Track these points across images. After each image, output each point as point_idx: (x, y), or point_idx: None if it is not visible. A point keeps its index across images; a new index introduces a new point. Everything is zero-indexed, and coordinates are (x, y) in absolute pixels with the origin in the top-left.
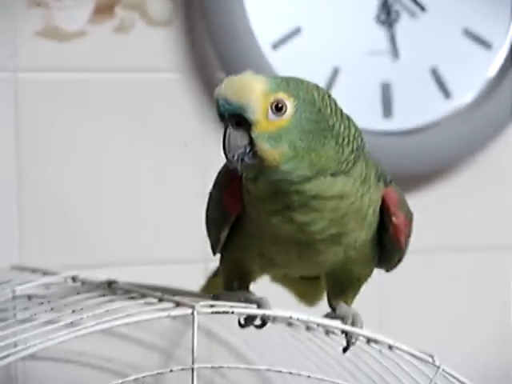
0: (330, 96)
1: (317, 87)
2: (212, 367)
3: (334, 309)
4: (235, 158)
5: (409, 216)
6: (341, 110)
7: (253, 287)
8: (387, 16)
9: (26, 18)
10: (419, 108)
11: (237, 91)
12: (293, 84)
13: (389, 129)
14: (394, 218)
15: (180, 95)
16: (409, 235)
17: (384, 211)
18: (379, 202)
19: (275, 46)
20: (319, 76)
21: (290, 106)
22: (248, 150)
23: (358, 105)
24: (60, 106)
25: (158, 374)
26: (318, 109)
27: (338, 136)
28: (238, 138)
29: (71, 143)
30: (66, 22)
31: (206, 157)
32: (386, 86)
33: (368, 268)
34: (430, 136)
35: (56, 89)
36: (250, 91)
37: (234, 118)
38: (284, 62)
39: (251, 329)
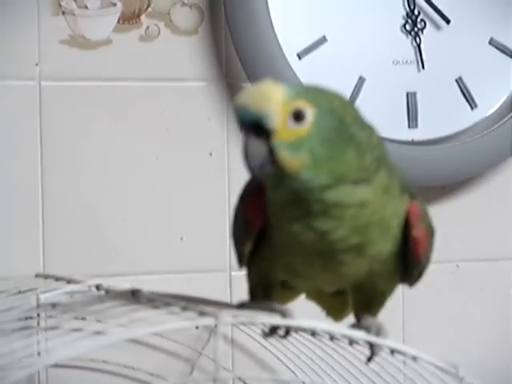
0: (351, 105)
1: (338, 96)
2: (235, 377)
3: (358, 319)
4: (256, 166)
5: (429, 229)
6: (362, 119)
7: None
8: (413, 26)
9: (50, 26)
10: (445, 118)
11: (256, 100)
12: (313, 92)
13: (414, 138)
14: (413, 231)
15: (205, 104)
16: (429, 249)
17: (406, 224)
18: (403, 215)
19: (301, 55)
20: (345, 85)
21: (309, 114)
22: (268, 159)
23: (383, 114)
24: (84, 115)
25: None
26: (339, 117)
27: (359, 145)
28: (258, 147)
29: (96, 152)
30: (91, 30)
31: (230, 166)
32: (411, 95)
33: (392, 283)
34: (455, 146)
35: (80, 97)
36: (269, 99)
37: (254, 127)
38: (309, 72)
39: (274, 338)
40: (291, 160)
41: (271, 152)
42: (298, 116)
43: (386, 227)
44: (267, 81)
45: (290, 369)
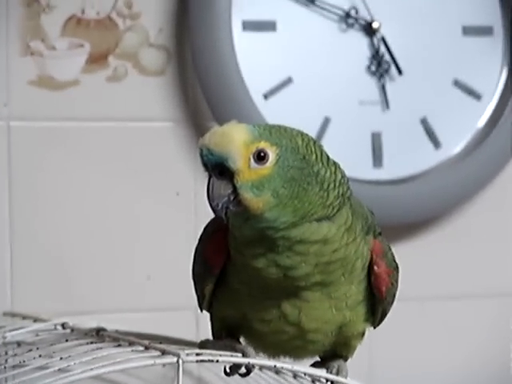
0: (315, 142)
1: (301, 134)
2: None
3: (322, 359)
4: (219, 206)
5: (392, 266)
6: (327, 156)
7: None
8: (377, 67)
9: (19, 66)
10: (409, 158)
11: (219, 141)
12: (276, 132)
13: (379, 178)
14: (375, 267)
15: (172, 144)
16: (392, 286)
17: (370, 263)
18: (368, 257)
19: (267, 95)
20: (311, 125)
21: (272, 154)
22: (232, 199)
23: (348, 154)
24: (53, 154)
25: None
26: (302, 156)
27: (323, 182)
28: (222, 187)
29: (63, 191)
30: (60, 71)
31: (197, 205)
32: (376, 135)
33: (361, 329)
34: (419, 185)
35: (49, 137)
36: (232, 141)
37: (218, 168)
38: (275, 112)
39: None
40: (255, 200)
41: (235, 192)
42: (260, 156)
43: (349, 267)
44: (232, 122)
45: None
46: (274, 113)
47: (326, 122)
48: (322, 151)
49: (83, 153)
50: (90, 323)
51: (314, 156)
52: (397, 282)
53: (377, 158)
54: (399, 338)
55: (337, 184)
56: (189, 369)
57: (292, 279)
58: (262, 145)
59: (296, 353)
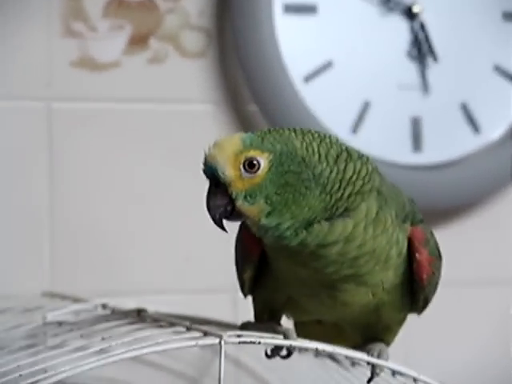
0: (322, 141)
1: (303, 135)
2: None
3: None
4: (217, 217)
5: (433, 254)
6: (337, 154)
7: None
8: (418, 51)
9: (61, 48)
10: (448, 143)
11: (212, 153)
12: (269, 138)
13: (418, 163)
14: (417, 255)
15: (211, 126)
16: (433, 274)
17: (410, 249)
18: (405, 244)
19: (307, 79)
20: (350, 109)
21: (263, 161)
22: (229, 209)
23: (387, 139)
24: (93, 135)
25: None
26: (301, 159)
27: (326, 184)
28: (218, 198)
29: (103, 172)
30: (101, 52)
31: None
32: (416, 120)
33: (400, 313)
34: (458, 171)
35: (89, 118)
36: (222, 152)
37: (214, 179)
38: (315, 95)
39: (279, 358)
40: (249, 209)
41: (231, 202)
42: (251, 165)
43: (382, 257)
44: (235, 134)
45: None
46: (313, 96)
47: (366, 106)
48: (328, 150)
49: (123, 134)
50: (129, 304)
51: (316, 157)
52: (439, 270)
53: (416, 143)
54: (436, 324)
55: (343, 184)
56: (227, 351)
57: (324, 275)
58: (252, 153)
59: (338, 335)
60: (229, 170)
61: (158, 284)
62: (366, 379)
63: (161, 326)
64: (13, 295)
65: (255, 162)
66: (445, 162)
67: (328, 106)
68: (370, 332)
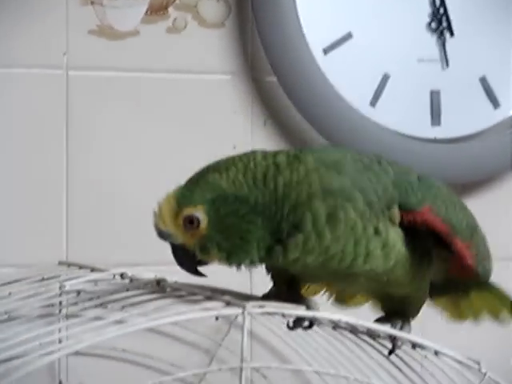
0: (246, 167)
1: (226, 171)
2: (259, 367)
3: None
4: (189, 270)
5: (466, 235)
6: (264, 174)
7: None
8: (438, 24)
9: (79, 16)
10: (467, 117)
11: (156, 220)
12: (197, 190)
13: (436, 136)
14: (453, 247)
15: (230, 97)
16: (477, 251)
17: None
18: (393, 230)
19: (326, 50)
20: (369, 82)
21: (200, 215)
22: (196, 259)
23: (406, 111)
24: (110, 104)
25: (204, 372)
26: (232, 197)
27: (263, 210)
28: (182, 256)
29: (120, 142)
30: (119, 21)
31: None
32: (435, 93)
33: (416, 285)
34: (477, 145)
35: (107, 87)
36: (162, 218)
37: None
38: (334, 67)
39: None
40: (211, 258)
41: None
42: (191, 222)
43: (358, 252)
44: (168, 193)
45: (308, 361)
46: (332, 68)
47: (385, 78)
48: (254, 175)
49: (140, 103)
50: (147, 274)
51: (244, 188)
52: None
53: (435, 116)
54: None
55: (280, 203)
56: (240, 322)
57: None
58: (187, 211)
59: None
60: (174, 232)
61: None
62: (385, 352)
63: (181, 296)
64: (29, 264)
65: (193, 218)
66: (463, 135)
67: (347, 78)
68: (390, 304)
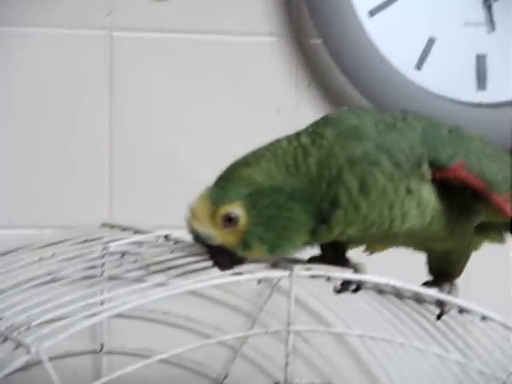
0: (275, 156)
1: (258, 163)
2: (303, 331)
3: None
4: (229, 270)
5: (504, 187)
6: (293, 159)
7: None
8: None
9: None
10: None
11: (193, 224)
12: (231, 185)
13: (482, 101)
14: (492, 201)
15: (274, 59)
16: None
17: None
18: (426, 187)
19: (372, 12)
20: (414, 45)
21: (238, 211)
22: (236, 259)
23: (452, 76)
24: (154, 65)
25: (247, 336)
26: (269, 188)
27: (301, 195)
28: (221, 257)
29: (163, 103)
30: None
31: (297, 121)
32: (481, 58)
33: (453, 241)
34: None
35: (151, 48)
36: (198, 221)
37: (207, 244)
38: (380, 30)
39: (331, 293)
40: (253, 254)
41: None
42: (230, 220)
43: (394, 215)
44: (201, 194)
45: (350, 326)
46: (378, 31)
47: (431, 42)
48: (285, 162)
49: (184, 65)
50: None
51: (278, 178)
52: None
53: (481, 81)
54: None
55: (317, 182)
56: (282, 286)
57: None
58: (224, 209)
59: None
60: (213, 234)
61: None
62: (431, 317)
63: None
64: (72, 226)
65: (232, 216)
66: (509, 100)
67: (392, 41)
68: (435, 263)
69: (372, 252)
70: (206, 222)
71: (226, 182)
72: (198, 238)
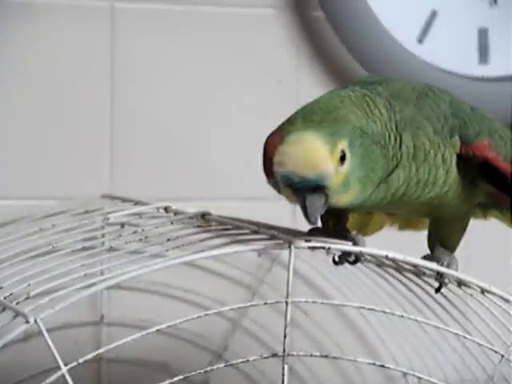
0: (369, 99)
1: (344, 102)
2: (303, 303)
3: (432, 252)
4: (317, 219)
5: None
6: (368, 103)
7: None
8: None
9: None
10: None
11: (309, 166)
12: (336, 124)
13: (484, 75)
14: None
15: (275, 32)
16: None
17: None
18: (453, 158)
19: None
20: (417, 18)
21: (346, 149)
22: (324, 205)
23: (454, 49)
24: (155, 36)
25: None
26: (359, 128)
27: (380, 139)
28: (317, 202)
29: (164, 75)
30: None
31: (299, 94)
32: (483, 31)
33: (461, 209)
34: None
35: (152, 19)
36: (322, 161)
37: (311, 188)
38: (382, 2)
39: (332, 267)
40: (345, 197)
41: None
42: (342, 159)
43: (428, 182)
44: (303, 135)
45: (350, 299)
46: (380, 3)
47: (433, 15)
48: (366, 101)
49: (185, 37)
50: (190, 208)
51: (363, 118)
52: None
53: (483, 54)
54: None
55: (394, 131)
56: (283, 260)
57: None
58: (341, 146)
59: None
60: (331, 173)
61: (217, 191)
62: (429, 290)
63: (227, 229)
64: (72, 197)
65: (343, 154)
66: (511, 74)
67: (394, 14)
68: (435, 233)
69: (364, 234)
70: (326, 160)
71: (329, 123)
72: (307, 182)
